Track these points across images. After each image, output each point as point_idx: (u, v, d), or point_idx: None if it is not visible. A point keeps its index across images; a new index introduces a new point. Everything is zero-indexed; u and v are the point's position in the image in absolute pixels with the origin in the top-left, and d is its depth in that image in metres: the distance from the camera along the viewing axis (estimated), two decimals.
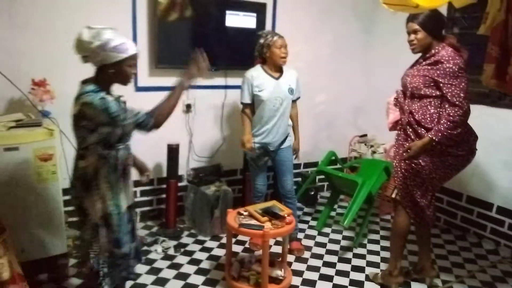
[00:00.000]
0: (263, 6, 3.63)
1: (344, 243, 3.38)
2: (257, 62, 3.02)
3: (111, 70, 1.81)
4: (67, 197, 2.94)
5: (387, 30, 4.09)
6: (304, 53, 3.97)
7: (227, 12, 3.45)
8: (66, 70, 2.97)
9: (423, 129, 2.34)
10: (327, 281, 2.81)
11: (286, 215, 2.62)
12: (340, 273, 2.93)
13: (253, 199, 3.21)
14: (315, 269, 2.97)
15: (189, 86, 1.99)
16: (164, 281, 2.71)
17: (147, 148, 2.83)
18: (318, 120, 4.29)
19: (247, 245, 3.26)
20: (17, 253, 2.43)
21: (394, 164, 2.57)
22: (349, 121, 4.49)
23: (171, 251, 3.10)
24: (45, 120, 2.68)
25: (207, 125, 3.69)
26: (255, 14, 3.59)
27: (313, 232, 3.55)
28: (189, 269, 2.88)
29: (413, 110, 2.39)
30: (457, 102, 2.22)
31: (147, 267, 2.86)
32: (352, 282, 2.82)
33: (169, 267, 2.89)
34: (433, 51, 2.32)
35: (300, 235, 3.43)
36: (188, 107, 3.53)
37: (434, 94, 2.32)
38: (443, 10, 2.99)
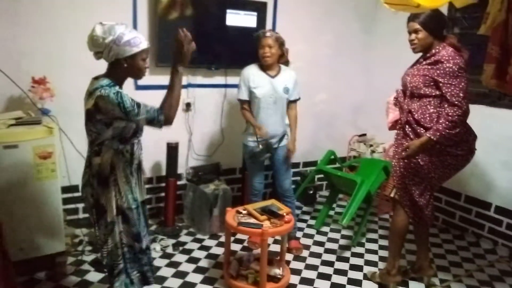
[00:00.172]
0: (263, 5, 3.62)
1: (342, 242, 3.39)
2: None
3: (125, 65, 1.81)
4: (66, 195, 2.97)
5: (387, 30, 4.09)
6: (304, 52, 3.96)
7: (228, 11, 3.45)
8: (66, 69, 2.98)
9: (422, 129, 2.34)
10: (325, 280, 2.82)
11: (285, 214, 2.62)
12: (338, 272, 2.93)
13: (250, 197, 3.21)
14: (314, 267, 2.97)
15: (184, 69, 1.94)
16: (162, 279, 2.72)
17: (146, 146, 2.81)
18: (317, 119, 4.29)
19: (245, 244, 3.27)
20: (15, 251, 2.44)
21: (393, 163, 2.57)
22: (349, 121, 4.49)
23: (169, 250, 3.10)
24: (44, 118, 2.69)
25: (206, 124, 3.69)
26: (255, 13, 3.58)
27: (312, 231, 3.55)
28: (188, 267, 2.89)
29: (413, 110, 2.39)
30: (456, 102, 2.22)
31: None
32: (350, 281, 2.82)
33: (168, 265, 2.89)
34: (433, 51, 2.32)
35: (299, 234, 3.44)
36: (188, 106, 3.53)
37: (433, 94, 2.32)
38: (444, 10, 2.98)
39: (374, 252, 3.23)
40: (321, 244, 3.34)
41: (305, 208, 4.05)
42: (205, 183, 3.42)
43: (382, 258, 3.10)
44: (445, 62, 2.24)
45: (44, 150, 2.44)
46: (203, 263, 2.96)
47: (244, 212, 2.67)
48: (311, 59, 4.06)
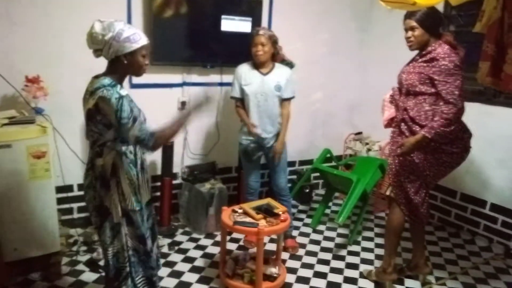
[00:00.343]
0: (259, 4, 3.61)
1: (338, 240, 3.39)
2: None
3: (125, 61, 1.78)
4: (60, 195, 2.95)
5: (383, 29, 4.09)
6: (300, 51, 3.95)
7: (223, 7, 3.43)
8: (60, 67, 2.96)
9: (417, 126, 2.34)
10: (321, 278, 2.82)
11: (280, 213, 2.62)
12: (334, 270, 2.93)
13: (246, 196, 3.20)
14: (310, 266, 2.97)
15: (192, 119, 1.96)
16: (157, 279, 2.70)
17: None
18: (313, 117, 4.28)
19: (241, 243, 3.26)
20: (9, 252, 2.42)
21: (389, 161, 2.57)
22: (345, 119, 4.49)
23: (165, 249, 3.09)
24: (38, 117, 2.66)
25: (202, 123, 3.68)
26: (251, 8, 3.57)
27: (308, 230, 3.55)
28: (183, 267, 2.87)
29: (408, 107, 2.39)
30: (451, 100, 2.22)
31: None
32: (346, 279, 2.82)
33: (163, 265, 2.87)
34: (429, 48, 2.32)
35: (295, 233, 3.43)
36: (183, 104, 3.51)
37: (429, 92, 2.32)
38: (440, 8, 2.98)
39: (370, 250, 3.24)
40: (317, 242, 3.34)
41: (301, 207, 4.05)
42: (200, 182, 3.41)
43: (378, 256, 3.11)
44: (440, 59, 2.24)
45: (38, 149, 2.41)
46: (199, 262, 2.95)
47: (240, 211, 2.66)
48: (307, 58, 4.05)
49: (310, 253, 3.15)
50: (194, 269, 2.85)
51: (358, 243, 3.34)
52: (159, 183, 3.42)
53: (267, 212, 2.62)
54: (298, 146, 4.17)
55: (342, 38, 4.24)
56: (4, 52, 2.78)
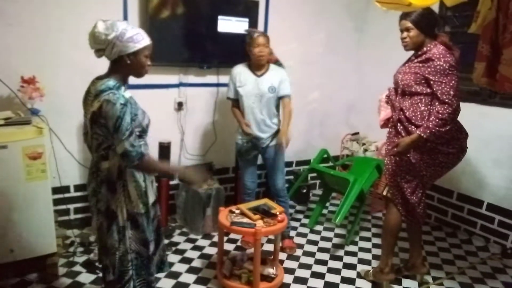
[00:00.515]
0: (255, 4, 3.61)
1: (336, 240, 3.39)
2: (248, 59, 3.03)
3: (128, 62, 1.75)
4: (56, 196, 2.94)
5: (378, 29, 4.10)
6: (296, 51, 3.97)
7: (220, 8, 3.43)
8: (56, 68, 2.96)
9: (413, 127, 2.35)
10: (319, 279, 2.82)
11: (278, 213, 2.62)
12: (331, 270, 2.93)
13: (243, 196, 3.20)
14: (307, 266, 2.97)
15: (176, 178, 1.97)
16: (154, 280, 2.69)
17: None
18: (310, 118, 4.29)
19: (239, 244, 3.26)
20: (6, 253, 2.41)
21: (385, 161, 2.58)
22: (341, 119, 4.50)
23: None
24: (34, 118, 2.65)
25: (199, 123, 3.68)
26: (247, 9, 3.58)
27: (305, 230, 3.55)
28: (181, 267, 2.87)
29: (404, 108, 2.40)
30: (446, 100, 2.23)
31: None
32: (344, 279, 2.83)
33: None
34: (425, 49, 2.33)
35: (292, 233, 3.43)
36: (180, 105, 3.51)
37: (425, 92, 2.32)
38: (435, 9, 2.99)
39: (368, 250, 3.24)
40: (314, 243, 3.34)
41: (298, 207, 4.05)
42: None
43: (375, 257, 3.11)
44: (436, 60, 2.25)
45: (34, 150, 2.40)
46: (196, 263, 2.95)
47: (237, 211, 2.66)
48: (304, 58, 4.06)
49: (307, 254, 3.15)
50: (191, 270, 2.85)
51: (355, 243, 3.35)
52: (156, 184, 3.41)
53: (264, 212, 2.62)
54: (295, 147, 4.16)
55: (339, 38, 4.25)
56: None
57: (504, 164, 3.25)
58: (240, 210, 2.66)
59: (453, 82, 2.24)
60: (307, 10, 3.98)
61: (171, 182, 3.55)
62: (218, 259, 2.73)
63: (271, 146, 3.04)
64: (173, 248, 3.12)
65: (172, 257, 2.99)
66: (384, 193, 2.65)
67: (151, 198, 1.94)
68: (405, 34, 2.37)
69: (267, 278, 2.61)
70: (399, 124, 2.43)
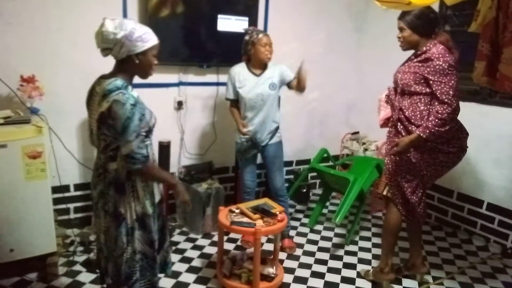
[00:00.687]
0: (255, 2, 3.61)
1: (335, 240, 3.39)
2: (244, 59, 3.02)
3: (136, 61, 1.72)
4: (56, 195, 2.94)
5: (378, 28, 4.10)
6: (296, 51, 3.96)
7: (219, 7, 3.43)
8: (55, 67, 2.96)
9: (413, 126, 2.34)
10: (319, 278, 2.82)
11: (278, 213, 2.62)
12: (331, 270, 2.93)
13: (242, 196, 3.20)
14: (307, 266, 2.97)
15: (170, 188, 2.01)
16: None
17: None
18: (310, 117, 4.29)
19: (239, 243, 3.25)
20: (6, 253, 2.41)
21: (385, 161, 2.58)
22: (341, 119, 4.49)
23: None
24: (34, 117, 2.65)
25: (198, 122, 3.68)
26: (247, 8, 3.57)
27: (305, 230, 3.55)
28: (180, 267, 2.87)
29: (403, 107, 2.39)
30: (446, 100, 2.22)
31: None
32: (344, 279, 2.82)
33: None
34: (424, 49, 2.32)
35: (292, 233, 3.43)
36: (180, 104, 3.51)
37: (424, 91, 2.32)
38: (435, 7, 2.99)
39: (368, 250, 3.24)
40: (314, 242, 3.33)
41: (298, 207, 4.05)
42: (197, 182, 3.40)
43: (375, 256, 3.11)
44: (435, 59, 2.25)
45: (33, 149, 2.40)
46: (196, 262, 2.95)
47: (237, 211, 2.66)
48: (304, 57, 4.02)
49: (307, 253, 3.15)
50: (191, 270, 2.85)
51: (355, 243, 3.34)
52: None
53: (264, 212, 2.61)
54: (295, 146, 4.17)
55: (339, 38, 4.25)
56: None
57: (504, 163, 3.24)
58: (240, 210, 2.66)
59: (452, 82, 2.23)
60: (307, 10, 3.98)
61: None
62: (218, 258, 2.72)
63: (270, 145, 3.03)
64: (173, 248, 3.11)
65: (172, 257, 2.97)
66: (384, 192, 2.64)
67: (157, 197, 1.92)
68: (399, 33, 2.39)
69: (267, 278, 2.61)
70: (399, 124, 2.43)
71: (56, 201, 2.88)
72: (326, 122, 4.40)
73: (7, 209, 2.40)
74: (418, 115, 2.34)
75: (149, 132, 1.81)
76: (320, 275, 2.86)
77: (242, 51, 2.97)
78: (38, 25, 2.85)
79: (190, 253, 3.07)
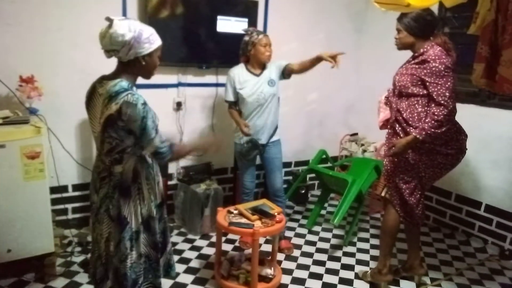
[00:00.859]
0: (254, 4, 3.61)
1: (334, 241, 3.39)
2: (242, 60, 3.01)
3: (143, 63, 1.69)
4: (54, 196, 2.93)
5: (378, 29, 4.10)
6: (296, 51, 3.95)
7: (219, 8, 3.43)
8: (54, 67, 2.95)
9: (411, 128, 2.35)
10: (317, 279, 2.82)
11: (276, 214, 2.62)
12: (329, 271, 2.93)
13: (241, 196, 3.20)
14: (305, 267, 2.97)
15: (195, 153, 2.00)
16: None
17: None
18: (309, 118, 4.29)
19: (237, 244, 3.25)
20: (3, 253, 2.40)
21: (384, 162, 2.58)
22: (340, 120, 4.50)
23: None
24: (32, 117, 2.64)
25: (197, 123, 3.67)
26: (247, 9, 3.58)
27: (304, 231, 3.55)
28: (179, 268, 2.86)
29: (401, 109, 2.40)
30: (442, 101, 2.23)
31: None
32: (342, 280, 2.82)
33: None
34: (421, 50, 2.33)
35: (291, 234, 3.44)
36: (179, 105, 3.51)
37: (421, 93, 2.33)
38: (435, 10, 3.00)
39: (366, 251, 3.24)
40: (312, 243, 3.33)
41: (296, 208, 4.05)
42: (196, 183, 3.40)
43: (373, 257, 3.11)
44: (431, 61, 2.25)
45: (32, 150, 2.40)
46: (194, 263, 2.94)
47: (235, 212, 2.66)
48: (303, 58, 4.03)
49: (305, 254, 3.15)
50: (189, 270, 2.85)
51: (353, 244, 3.35)
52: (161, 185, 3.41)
53: (263, 213, 2.61)
54: (294, 147, 4.17)
55: (338, 39, 4.25)
56: None
57: (502, 165, 3.25)
58: (238, 211, 2.66)
59: (448, 83, 2.23)
60: (306, 10, 3.98)
61: (170, 182, 3.55)
62: (216, 259, 2.72)
63: (270, 145, 3.03)
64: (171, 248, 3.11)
65: None
66: (383, 194, 2.65)
67: (158, 199, 1.91)
68: (396, 34, 2.41)
69: (265, 279, 2.61)
70: (397, 125, 2.43)
71: (54, 202, 2.88)
72: (325, 123, 4.40)
73: (5, 209, 2.39)
74: (416, 117, 2.34)
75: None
76: (318, 276, 2.86)
77: (240, 51, 2.96)
78: (37, 25, 2.85)
79: (188, 254, 3.06)
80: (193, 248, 3.16)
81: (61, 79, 2.97)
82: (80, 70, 2.91)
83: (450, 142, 2.40)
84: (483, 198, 3.41)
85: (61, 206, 3.14)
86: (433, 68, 2.24)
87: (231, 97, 3.00)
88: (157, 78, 3.33)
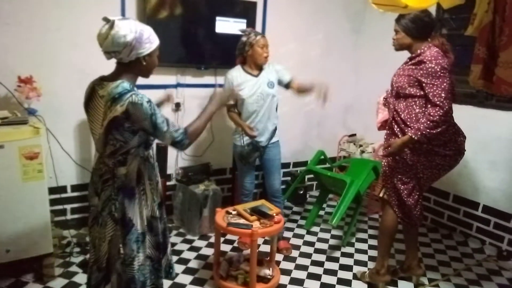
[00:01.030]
0: (253, 5, 3.62)
1: (332, 242, 3.39)
2: (238, 61, 3.01)
3: (144, 63, 1.68)
4: (53, 196, 2.93)
5: (376, 30, 4.11)
6: (294, 52, 3.97)
7: (218, 9, 3.44)
8: (54, 68, 2.95)
9: (409, 128, 2.36)
10: (315, 280, 2.82)
11: (274, 214, 2.62)
12: (328, 272, 2.94)
13: (240, 198, 3.20)
14: (303, 268, 2.97)
15: (216, 108, 1.91)
16: None
17: None
18: (307, 119, 4.30)
19: (235, 244, 3.26)
20: (2, 253, 2.40)
21: (382, 163, 2.59)
22: (338, 121, 4.50)
23: None
24: (31, 118, 2.64)
25: None
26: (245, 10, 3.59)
27: (302, 231, 3.55)
28: (177, 268, 2.86)
29: (399, 110, 2.41)
30: (438, 102, 2.24)
31: None
32: (340, 280, 2.83)
33: None
34: (418, 51, 2.34)
35: (289, 234, 3.44)
36: (178, 106, 3.51)
37: (418, 94, 2.34)
38: (432, 11, 3.01)
39: (364, 252, 3.25)
40: (311, 244, 3.34)
41: (295, 208, 4.06)
42: (195, 184, 3.40)
43: (371, 258, 3.12)
44: (427, 62, 2.26)
45: (30, 150, 2.40)
46: (193, 264, 2.95)
47: (234, 212, 2.66)
48: (301, 59, 4.06)
49: (304, 255, 3.16)
50: (188, 271, 2.85)
51: (351, 244, 3.35)
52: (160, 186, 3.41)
53: (261, 213, 2.62)
54: (292, 148, 4.18)
55: (336, 40, 4.26)
56: None
57: (500, 166, 3.26)
58: (237, 211, 2.66)
59: (444, 84, 2.24)
60: (304, 11, 3.99)
61: (168, 183, 3.55)
62: (215, 260, 2.73)
63: (270, 146, 3.03)
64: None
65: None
66: (381, 194, 2.65)
67: (158, 199, 1.91)
68: (394, 35, 2.43)
69: (263, 279, 2.61)
70: (395, 126, 2.44)
71: (53, 202, 2.88)
72: (323, 124, 4.41)
73: (4, 209, 2.39)
74: (414, 118, 2.35)
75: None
76: (316, 277, 2.86)
77: (237, 51, 2.96)
78: (36, 25, 2.85)
79: (187, 255, 3.07)
80: (192, 249, 3.16)
81: (60, 79, 2.97)
82: (79, 71, 2.91)
83: (449, 143, 2.41)
84: (481, 199, 3.42)
85: (60, 207, 3.14)
86: (429, 69, 2.25)
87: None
88: (156, 78, 3.34)
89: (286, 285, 2.74)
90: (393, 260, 3.07)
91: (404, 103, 2.39)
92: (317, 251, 3.23)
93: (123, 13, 3.11)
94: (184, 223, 3.44)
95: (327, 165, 3.91)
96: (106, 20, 1.62)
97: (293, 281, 2.80)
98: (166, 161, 3.36)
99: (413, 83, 2.34)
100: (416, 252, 2.81)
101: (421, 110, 2.34)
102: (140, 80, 1.81)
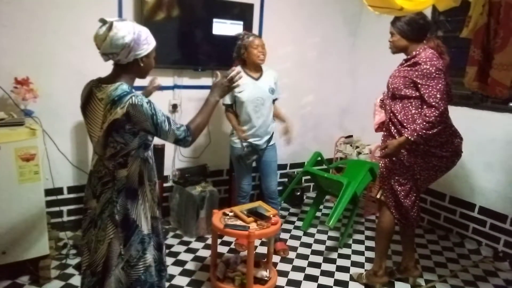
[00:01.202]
0: (250, 7, 3.62)
1: (329, 243, 3.40)
2: (236, 64, 3.01)
3: (141, 64, 1.67)
4: (49, 198, 2.92)
5: (372, 33, 4.13)
6: (291, 54, 3.98)
7: (215, 11, 3.44)
8: (50, 69, 2.95)
9: (406, 130, 2.37)
10: (312, 282, 2.82)
11: (271, 216, 2.62)
12: (325, 273, 2.94)
13: (237, 199, 3.21)
14: (301, 269, 2.98)
15: (219, 98, 1.89)
16: None
17: None
18: (304, 121, 4.30)
19: (232, 246, 3.26)
20: None
21: (379, 164, 2.60)
22: (335, 122, 4.52)
23: None
24: (27, 119, 2.64)
25: None
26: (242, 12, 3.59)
27: (299, 233, 3.56)
28: (174, 270, 2.86)
29: (395, 111, 2.42)
30: (433, 103, 2.25)
31: None
32: (337, 282, 2.83)
33: None
34: (414, 53, 2.36)
35: (286, 236, 3.44)
36: (175, 107, 3.51)
37: (414, 95, 2.35)
38: (428, 13, 3.02)
39: (361, 253, 3.25)
40: (308, 245, 3.34)
41: (292, 210, 4.06)
42: (191, 185, 3.40)
43: (368, 259, 3.12)
44: (422, 64, 2.28)
45: (26, 152, 2.39)
46: (190, 265, 2.94)
47: (231, 214, 2.66)
48: (298, 61, 4.08)
49: (301, 256, 3.16)
50: (184, 273, 2.84)
51: (348, 246, 3.36)
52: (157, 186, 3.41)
53: (258, 215, 2.62)
54: (289, 149, 4.17)
55: (333, 42, 4.28)
56: None
57: (496, 167, 3.28)
58: (234, 213, 2.66)
59: (439, 85, 2.26)
60: (302, 14, 4.00)
61: (165, 185, 3.55)
62: (212, 261, 2.72)
63: (267, 148, 3.04)
64: (167, 251, 3.11)
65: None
66: (378, 196, 2.66)
67: (156, 200, 1.91)
68: (390, 38, 2.45)
69: (260, 281, 2.61)
70: (392, 127, 2.45)
71: (49, 204, 2.87)
72: (320, 126, 4.42)
73: (0, 211, 2.38)
74: (410, 119, 2.36)
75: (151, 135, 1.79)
76: (313, 278, 2.86)
77: (235, 54, 2.97)
78: (33, 26, 2.84)
79: (184, 256, 3.06)
80: (189, 250, 3.15)
81: (56, 81, 2.96)
82: (76, 72, 2.90)
83: (446, 145, 2.42)
84: (477, 200, 3.43)
85: (56, 208, 3.14)
86: (424, 70, 2.27)
87: (228, 100, 3.00)
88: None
89: (283, 287, 2.74)
90: (390, 261, 3.07)
91: (400, 105, 2.41)
92: (314, 252, 3.23)
93: (120, 15, 3.11)
94: (181, 224, 3.43)
95: (324, 167, 3.92)
96: (103, 21, 1.61)
97: (290, 282, 2.80)
98: (163, 163, 3.36)
99: (408, 85, 2.35)
100: (413, 253, 2.82)
101: (417, 111, 2.35)
102: (137, 82, 1.81)
